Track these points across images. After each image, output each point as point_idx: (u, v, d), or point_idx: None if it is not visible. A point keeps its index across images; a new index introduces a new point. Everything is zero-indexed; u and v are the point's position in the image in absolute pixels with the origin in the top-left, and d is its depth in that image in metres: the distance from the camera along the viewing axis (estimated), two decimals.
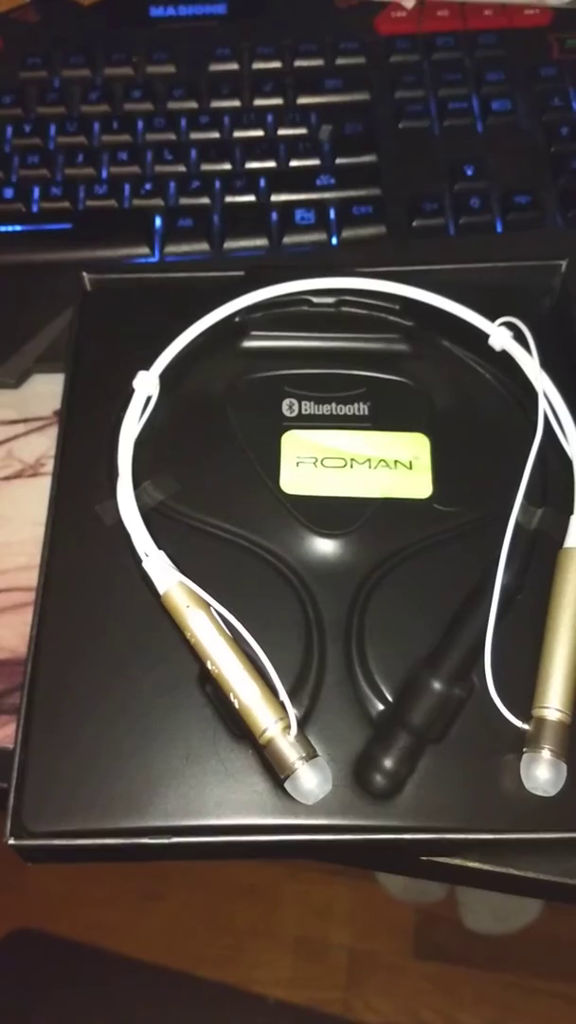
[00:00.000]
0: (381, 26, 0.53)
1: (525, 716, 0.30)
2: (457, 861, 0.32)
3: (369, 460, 0.36)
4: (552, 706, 0.30)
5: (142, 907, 0.97)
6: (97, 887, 0.97)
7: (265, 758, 0.30)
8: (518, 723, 0.30)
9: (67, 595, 0.33)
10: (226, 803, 0.30)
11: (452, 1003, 0.93)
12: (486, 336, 0.38)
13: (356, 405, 0.37)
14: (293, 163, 0.47)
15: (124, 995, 0.92)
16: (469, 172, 0.46)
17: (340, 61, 0.51)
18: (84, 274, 0.40)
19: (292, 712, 0.30)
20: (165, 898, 0.97)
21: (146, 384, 0.36)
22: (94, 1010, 0.90)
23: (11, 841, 0.29)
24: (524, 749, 0.30)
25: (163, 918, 0.96)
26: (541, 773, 0.29)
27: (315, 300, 0.39)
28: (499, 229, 0.45)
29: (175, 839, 0.29)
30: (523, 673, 0.31)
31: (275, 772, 0.30)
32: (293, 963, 0.95)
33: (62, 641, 0.32)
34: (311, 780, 0.29)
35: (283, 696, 0.30)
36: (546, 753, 0.29)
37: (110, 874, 0.96)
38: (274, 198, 0.46)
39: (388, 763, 0.30)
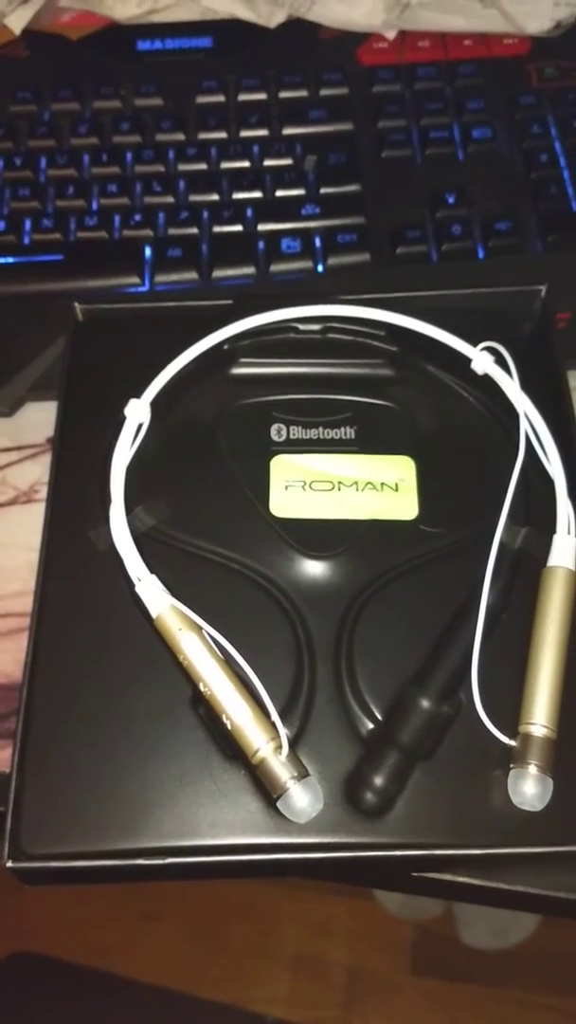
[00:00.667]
0: (364, 56, 0.54)
1: (512, 732, 0.31)
2: (447, 876, 0.33)
3: (356, 483, 0.37)
4: (538, 722, 0.31)
5: (140, 928, 0.97)
6: (95, 908, 0.96)
7: (258, 778, 0.30)
8: (505, 739, 0.31)
9: (61, 620, 0.34)
10: (220, 823, 0.30)
11: (450, 1019, 0.93)
12: (469, 360, 0.39)
13: (343, 429, 0.38)
14: (279, 193, 0.48)
15: (123, 1016, 0.92)
16: (451, 199, 0.47)
17: (324, 92, 0.52)
18: (76, 304, 0.41)
19: (283, 732, 0.30)
20: (163, 919, 0.97)
21: (137, 412, 0.37)
22: None
23: (9, 864, 0.30)
24: (511, 765, 0.30)
25: (161, 938, 0.96)
26: (528, 788, 0.30)
27: (301, 327, 0.40)
28: (481, 255, 0.46)
29: (171, 859, 0.30)
30: (509, 690, 0.32)
31: (267, 792, 0.30)
32: (291, 981, 0.95)
33: (57, 666, 0.33)
34: (303, 799, 0.30)
35: (274, 717, 0.30)
36: (532, 768, 0.30)
37: (107, 895, 0.96)
38: (261, 227, 0.47)
39: (378, 781, 0.31)
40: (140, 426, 0.37)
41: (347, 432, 0.38)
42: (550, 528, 0.35)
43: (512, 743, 0.31)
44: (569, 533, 0.35)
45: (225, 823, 0.30)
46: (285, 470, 0.37)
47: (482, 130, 0.50)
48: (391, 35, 0.55)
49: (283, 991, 0.94)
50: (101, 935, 0.96)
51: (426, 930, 0.98)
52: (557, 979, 0.94)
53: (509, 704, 0.32)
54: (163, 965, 0.94)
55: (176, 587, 0.33)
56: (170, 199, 0.48)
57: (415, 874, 0.33)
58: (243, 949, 0.96)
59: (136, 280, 0.45)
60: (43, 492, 0.38)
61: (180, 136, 0.51)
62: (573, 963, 0.95)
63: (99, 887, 0.90)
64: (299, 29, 0.56)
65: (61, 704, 0.32)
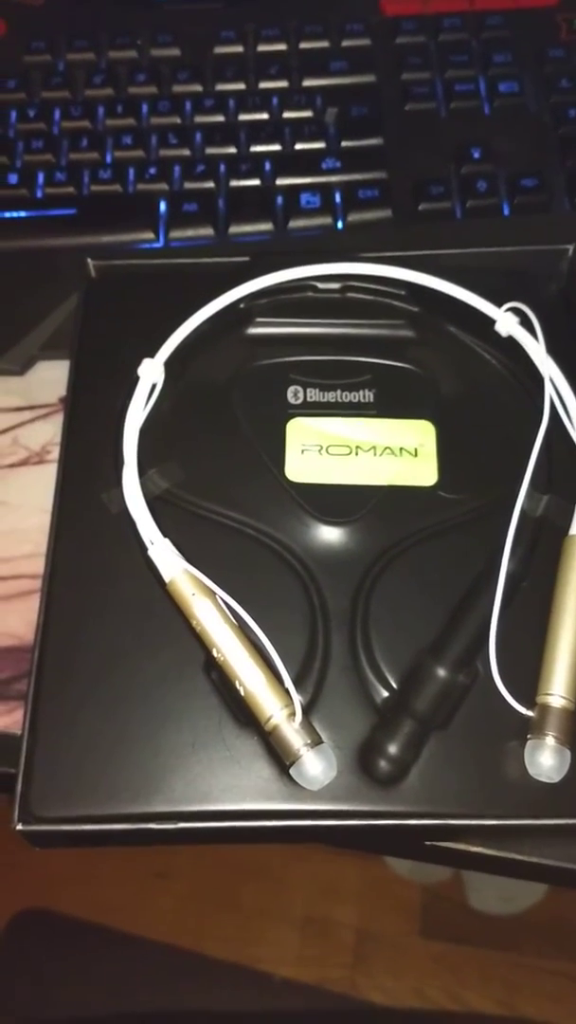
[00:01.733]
0: (387, 7, 0.52)
1: (529, 703, 0.30)
2: (461, 846, 0.32)
3: (374, 447, 0.36)
4: (556, 693, 0.30)
5: (149, 886, 0.98)
6: (105, 866, 0.97)
7: (270, 745, 0.30)
8: (522, 710, 0.30)
9: (73, 583, 0.33)
10: (232, 789, 0.30)
11: (458, 982, 0.94)
12: (492, 321, 0.38)
13: (361, 392, 0.37)
14: (298, 146, 0.47)
15: (132, 973, 0.93)
16: (476, 155, 0.46)
17: (345, 43, 0.51)
18: (89, 260, 0.40)
19: (297, 699, 0.30)
20: (172, 877, 0.98)
21: (151, 372, 0.36)
22: (101, 987, 0.91)
23: (19, 827, 0.30)
24: (528, 736, 0.30)
25: (170, 897, 0.97)
26: (545, 760, 0.29)
27: (320, 286, 0.39)
28: (506, 212, 0.45)
29: (181, 824, 0.30)
30: (527, 660, 0.31)
31: (280, 758, 0.30)
32: (300, 942, 0.96)
33: (68, 628, 0.33)
34: (316, 766, 0.29)
35: (288, 683, 0.30)
36: (550, 740, 0.29)
37: (118, 854, 0.97)
38: (279, 182, 0.46)
39: (393, 749, 0.30)
40: (154, 386, 0.37)
41: (366, 395, 0.37)
42: (572, 496, 0.34)
43: (530, 714, 0.30)
44: None
45: (237, 789, 0.30)
46: (301, 433, 0.36)
47: (509, 84, 0.48)
48: None
49: (292, 951, 0.95)
50: (111, 893, 0.97)
51: (435, 893, 0.98)
52: (565, 944, 0.94)
53: (527, 674, 0.31)
54: (173, 923, 0.95)
55: (189, 551, 0.33)
56: (186, 152, 0.47)
57: (428, 843, 0.32)
58: (253, 909, 0.97)
59: (150, 235, 0.44)
60: (55, 453, 0.38)
61: (197, 87, 0.49)
62: None
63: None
64: None
65: (72, 667, 0.32)
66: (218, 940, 0.95)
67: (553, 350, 0.37)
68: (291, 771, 0.29)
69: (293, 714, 0.30)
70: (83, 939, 0.94)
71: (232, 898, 0.97)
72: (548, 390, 0.36)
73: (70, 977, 0.90)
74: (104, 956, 0.93)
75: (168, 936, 0.94)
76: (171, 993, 0.92)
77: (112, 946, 0.94)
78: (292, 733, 0.29)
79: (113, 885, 0.97)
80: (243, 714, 0.31)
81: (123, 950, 0.94)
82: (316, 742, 0.30)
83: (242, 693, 0.30)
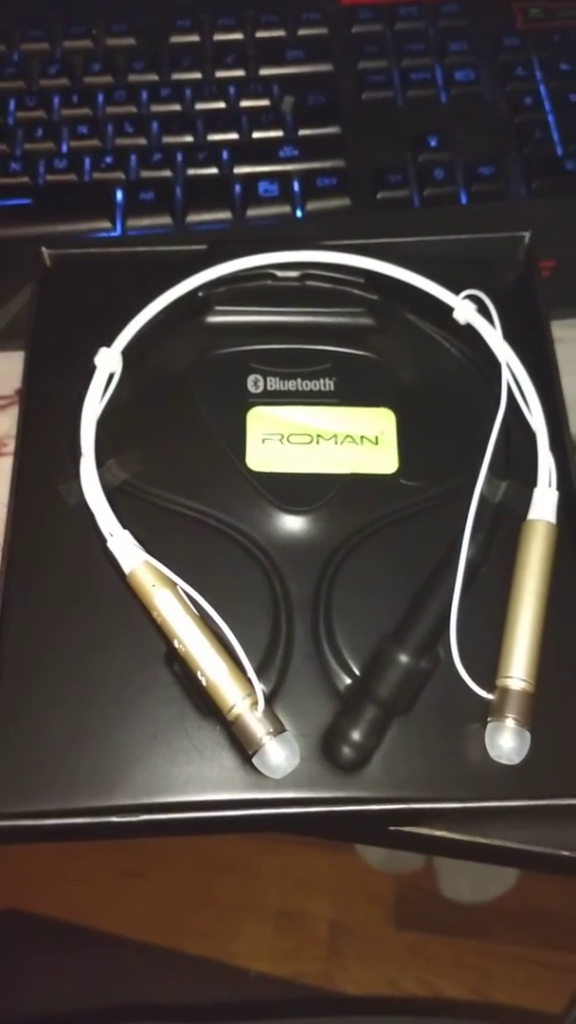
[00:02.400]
0: None
1: (490, 686, 0.31)
2: (425, 831, 0.32)
3: (335, 436, 0.36)
4: (515, 675, 0.30)
5: (122, 884, 0.97)
6: (76, 865, 0.97)
7: (233, 734, 0.30)
8: (483, 693, 0.30)
9: (31, 576, 0.33)
10: (195, 780, 0.30)
11: (432, 971, 0.94)
12: (450, 309, 0.38)
13: (322, 380, 0.37)
14: (256, 135, 0.47)
15: (106, 971, 0.92)
16: (433, 143, 0.46)
17: (302, 32, 0.51)
18: (44, 249, 0.40)
19: (259, 688, 0.30)
20: (145, 875, 0.98)
21: (108, 361, 0.36)
22: (77, 986, 0.90)
23: None
24: (489, 718, 0.30)
25: (143, 895, 0.97)
26: (505, 742, 0.30)
27: (279, 274, 0.39)
28: (464, 200, 0.45)
29: (144, 816, 0.29)
30: (487, 644, 0.32)
31: (243, 748, 0.30)
32: (274, 936, 0.96)
33: (27, 623, 0.32)
34: (279, 754, 0.29)
35: (250, 672, 0.30)
36: (510, 722, 0.30)
37: (89, 852, 0.97)
38: (237, 170, 0.46)
39: (356, 736, 0.30)
40: (111, 376, 0.36)
41: (326, 384, 0.37)
42: (531, 482, 0.34)
43: (490, 697, 0.30)
44: (550, 486, 0.34)
45: (200, 780, 0.30)
46: (262, 422, 0.36)
47: (465, 72, 0.48)
48: None
49: (266, 945, 0.95)
50: (83, 891, 0.96)
51: (408, 884, 0.99)
52: (538, 931, 0.95)
53: (487, 658, 0.31)
54: (146, 921, 0.95)
55: (149, 543, 0.32)
56: (143, 141, 0.47)
57: (393, 828, 0.32)
58: (226, 904, 0.97)
59: (107, 224, 0.44)
60: (11, 446, 0.37)
61: (153, 76, 0.49)
62: (553, 915, 0.96)
63: (80, 844, 0.91)
64: None
65: (31, 662, 0.32)
66: (192, 936, 0.95)
67: (510, 337, 0.37)
68: (254, 760, 0.29)
69: (256, 703, 0.30)
70: (57, 939, 0.93)
71: (205, 894, 0.97)
72: (505, 376, 0.36)
73: (45, 977, 0.89)
74: (78, 955, 0.93)
75: (142, 934, 0.94)
76: (146, 990, 0.91)
77: (86, 945, 0.93)
78: (254, 722, 0.29)
79: (85, 885, 0.97)
80: (205, 705, 0.31)
81: (97, 949, 0.93)
82: (279, 730, 0.29)
83: (204, 683, 0.30)
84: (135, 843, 0.97)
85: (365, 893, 0.99)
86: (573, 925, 0.96)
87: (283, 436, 0.36)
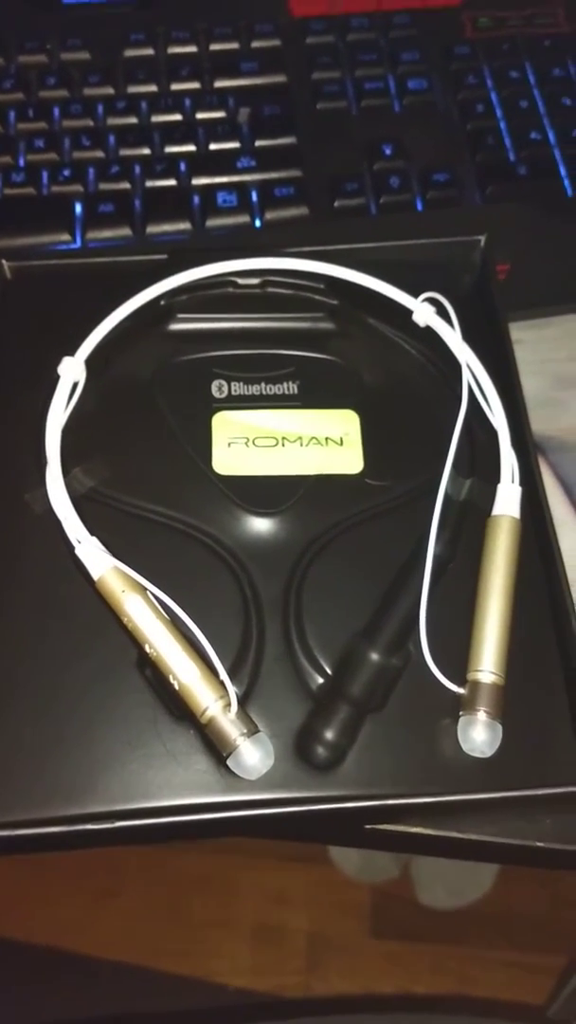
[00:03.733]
0: (295, 8, 0.53)
1: (461, 681, 0.31)
2: (402, 828, 0.32)
3: (300, 438, 0.36)
4: (486, 669, 0.31)
5: (98, 905, 0.96)
6: (51, 887, 0.96)
7: (207, 737, 0.30)
8: (454, 688, 0.31)
9: None
10: (170, 784, 0.30)
11: (411, 979, 0.94)
12: (410, 312, 0.38)
13: (285, 384, 0.37)
14: (213, 146, 0.47)
15: (83, 993, 0.91)
16: (388, 151, 0.47)
17: (255, 44, 0.51)
18: (3, 262, 0.40)
19: (232, 690, 0.30)
20: (120, 895, 0.97)
21: (72, 369, 0.36)
22: (54, 1008, 0.89)
23: None
24: (460, 712, 0.30)
25: (119, 915, 0.96)
26: (477, 735, 0.30)
27: (240, 281, 0.39)
28: (419, 207, 0.46)
29: (120, 823, 0.29)
30: (457, 639, 0.32)
31: (218, 751, 0.30)
32: (252, 951, 0.95)
33: None
34: (253, 756, 0.29)
35: (223, 674, 0.30)
36: (481, 715, 0.30)
37: (64, 873, 0.96)
38: (195, 181, 0.46)
39: (329, 735, 0.30)
40: (75, 385, 0.36)
41: (289, 387, 0.37)
42: (494, 478, 0.35)
43: (461, 691, 0.31)
44: (513, 482, 0.35)
45: (175, 784, 0.30)
46: (227, 427, 0.36)
47: (418, 81, 0.49)
48: None
49: (244, 961, 0.95)
50: (58, 913, 0.95)
51: (384, 893, 0.99)
52: (516, 935, 0.96)
53: (457, 653, 0.31)
54: (123, 941, 0.94)
55: (118, 549, 0.32)
56: (100, 154, 0.47)
57: (369, 827, 0.33)
58: (203, 921, 0.96)
59: (67, 237, 0.44)
60: None
61: (109, 90, 0.49)
62: (531, 919, 0.97)
63: (54, 864, 0.89)
64: None
65: (1, 671, 0.31)
66: (170, 955, 0.94)
67: (469, 338, 0.37)
68: (228, 762, 0.29)
69: (228, 705, 0.30)
70: (32, 961, 0.92)
71: (182, 911, 0.96)
72: (466, 376, 0.36)
73: (21, 1000, 0.88)
74: (55, 977, 0.91)
75: (119, 954, 0.93)
76: (125, 1010, 0.90)
77: (63, 967, 0.92)
78: (228, 724, 0.29)
79: (60, 906, 0.96)
80: (178, 708, 0.31)
81: (74, 970, 0.92)
82: (252, 731, 0.29)
83: (176, 687, 0.30)
84: (111, 863, 0.96)
85: (342, 904, 0.99)
86: (550, 926, 0.96)
87: (248, 439, 0.36)
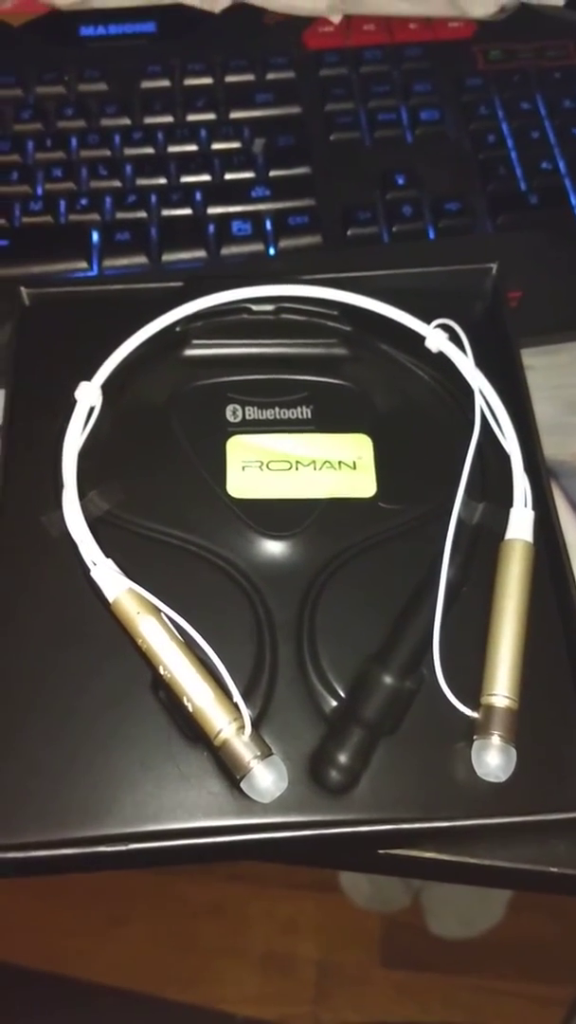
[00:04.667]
0: (309, 41, 0.54)
1: (474, 705, 0.31)
2: (414, 853, 0.32)
3: (314, 462, 0.36)
4: (500, 693, 0.31)
5: (106, 932, 0.96)
6: (59, 915, 0.95)
7: (221, 760, 0.30)
8: (467, 712, 0.31)
9: (15, 607, 0.33)
10: (183, 807, 0.30)
11: (420, 1009, 0.93)
12: (422, 339, 0.39)
13: (299, 409, 0.38)
14: (228, 176, 0.48)
15: (91, 1022, 0.90)
16: (400, 181, 0.47)
17: (270, 76, 0.52)
18: (22, 288, 0.40)
19: (246, 712, 0.30)
20: (129, 922, 0.96)
21: (88, 394, 0.36)
22: None
23: None
24: (474, 736, 0.30)
25: (128, 943, 0.95)
26: (491, 759, 0.30)
27: (254, 308, 0.40)
28: (431, 236, 0.46)
29: (134, 845, 0.29)
30: (470, 663, 0.32)
31: (231, 773, 0.30)
32: (261, 980, 0.95)
33: (11, 654, 0.32)
34: (266, 778, 0.29)
35: (237, 697, 0.30)
36: (495, 739, 0.30)
37: (72, 901, 0.95)
38: (210, 211, 0.47)
39: (342, 758, 0.30)
40: (92, 409, 0.37)
41: (303, 412, 0.38)
42: (506, 503, 0.35)
43: (475, 715, 0.31)
44: (526, 506, 0.35)
45: (189, 806, 0.30)
46: (241, 450, 0.36)
47: (430, 112, 0.50)
48: (336, 19, 0.55)
49: (252, 989, 0.94)
50: (66, 941, 0.95)
51: (394, 922, 0.98)
52: (526, 966, 0.95)
53: (471, 677, 0.32)
54: (130, 969, 0.93)
55: (133, 572, 0.33)
56: (117, 183, 0.48)
57: (382, 852, 0.32)
58: (211, 949, 0.96)
59: (84, 265, 0.45)
60: None
61: (126, 121, 0.50)
62: (540, 949, 0.96)
63: (61, 891, 0.89)
64: (243, 14, 0.55)
65: (16, 693, 0.32)
66: (177, 983, 0.93)
67: (481, 364, 0.38)
68: (242, 784, 0.29)
69: (242, 727, 0.30)
70: (41, 990, 0.91)
71: (189, 939, 0.96)
72: (479, 401, 0.37)
73: None
74: (63, 1005, 0.91)
75: (127, 982, 0.92)
76: None
77: (71, 995, 0.91)
78: (241, 746, 0.29)
79: (68, 934, 0.95)
80: (192, 731, 0.31)
81: (82, 999, 0.91)
82: (266, 754, 0.30)
83: (190, 709, 0.30)
84: (120, 890, 0.96)
85: (351, 933, 0.98)
86: (562, 958, 0.95)
87: (262, 463, 0.36)
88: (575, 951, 0.96)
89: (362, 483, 0.36)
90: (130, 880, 0.94)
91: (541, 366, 0.43)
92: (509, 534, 0.34)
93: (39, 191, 0.48)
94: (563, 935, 0.96)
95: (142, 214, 0.46)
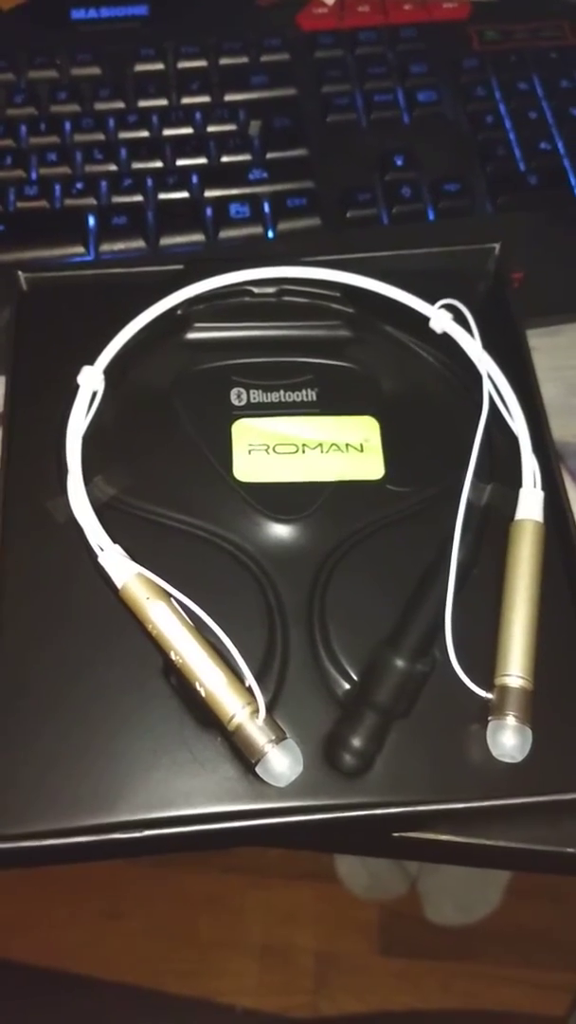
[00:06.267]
0: (303, 22, 0.53)
1: (488, 686, 0.31)
2: (429, 835, 0.32)
3: (321, 445, 0.36)
4: (514, 673, 0.30)
5: (103, 926, 0.95)
6: (55, 910, 0.95)
7: (234, 745, 0.30)
8: (482, 693, 0.31)
9: (22, 595, 0.33)
10: (197, 792, 0.29)
11: (420, 997, 0.93)
12: (426, 319, 0.38)
13: (304, 391, 0.37)
14: (224, 159, 0.48)
15: (89, 1016, 0.90)
16: (399, 162, 0.47)
17: (264, 58, 0.52)
18: (20, 273, 0.40)
19: (260, 696, 0.29)
20: (126, 916, 0.96)
21: (91, 379, 0.36)
22: None
23: None
24: (489, 717, 0.30)
25: (125, 936, 0.95)
26: (507, 740, 0.30)
27: (256, 290, 0.39)
28: (431, 217, 0.46)
29: (148, 832, 0.29)
30: (483, 644, 0.32)
31: (245, 758, 0.29)
32: (259, 971, 0.94)
33: (19, 642, 0.32)
34: (282, 762, 0.29)
35: (250, 680, 0.30)
36: (511, 719, 0.30)
37: (68, 896, 0.95)
38: (208, 193, 0.46)
39: (356, 742, 0.30)
40: (94, 394, 0.36)
41: (308, 394, 0.37)
42: (513, 484, 0.35)
43: (489, 696, 0.31)
44: (535, 487, 0.35)
45: (203, 792, 0.29)
46: (247, 434, 0.36)
47: (427, 93, 0.50)
48: (330, 1, 0.54)
49: (252, 981, 0.94)
50: (63, 936, 0.94)
51: (392, 911, 0.98)
52: (524, 952, 0.95)
53: (484, 658, 0.31)
54: (128, 962, 0.93)
55: (140, 557, 0.32)
56: (112, 167, 0.47)
57: (397, 835, 0.32)
58: (209, 941, 0.95)
59: (81, 249, 0.44)
60: None
61: (119, 104, 0.50)
62: (538, 935, 0.96)
63: (58, 885, 0.89)
64: None
65: (26, 679, 0.31)
66: (176, 975, 0.93)
67: (485, 345, 0.37)
68: (257, 769, 0.29)
69: (256, 711, 0.29)
70: (38, 986, 0.91)
71: (187, 932, 0.96)
72: (487, 384, 0.36)
73: (25, 1023, 0.87)
74: (61, 1001, 0.90)
75: (125, 975, 0.92)
76: None
77: (68, 990, 0.91)
78: (256, 731, 0.29)
79: (64, 929, 0.95)
80: (204, 716, 0.30)
81: (80, 993, 0.91)
82: (281, 738, 0.29)
83: (203, 694, 0.30)
84: (116, 883, 0.96)
85: (350, 923, 0.98)
86: (561, 943, 0.95)
87: (269, 447, 0.36)
88: (574, 936, 0.96)
89: (370, 465, 0.36)
90: (125, 872, 0.94)
91: (543, 347, 0.43)
92: (519, 514, 0.34)
93: (33, 175, 0.47)
94: (562, 920, 0.96)
95: (138, 198, 0.46)
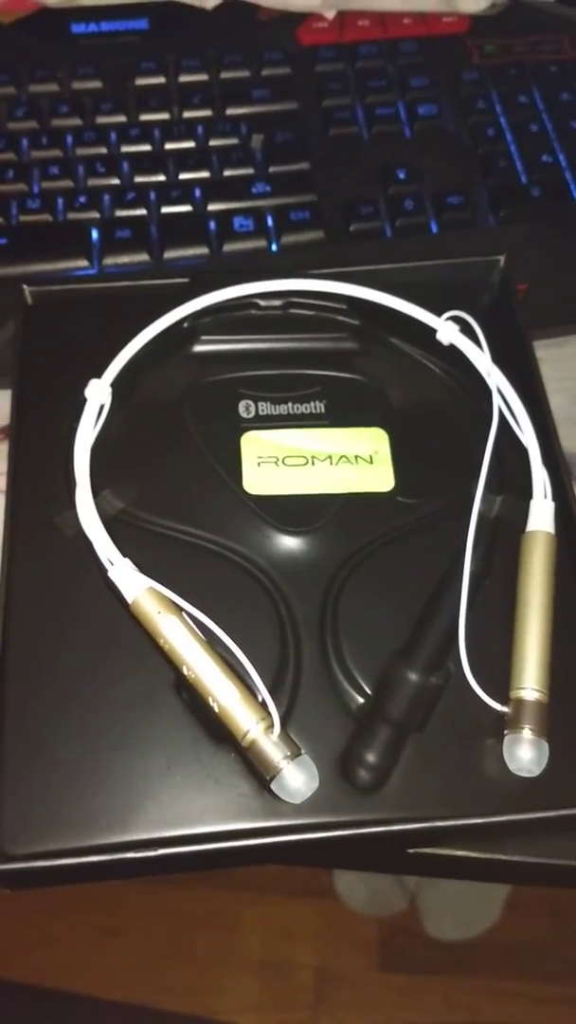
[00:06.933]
0: (304, 37, 0.53)
1: (503, 699, 0.30)
2: (445, 851, 0.32)
3: (330, 457, 0.36)
4: (529, 686, 0.30)
5: (100, 944, 0.94)
6: (52, 928, 0.94)
7: (248, 760, 0.29)
8: (497, 706, 0.30)
9: (31, 610, 0.32)
10: (211, 810, 0.29)
11: (420, 1012, 0.93)
12: (432, 332, 0.38)
13: (312, 403, 0.37)
14: (227, 172, 0.47)
15: None
16: (401, 175, 0.47)
17: (265, 72, 0.52)
18: (25, 287, 0.40)
19: (274, 711, 0.29)
20: (123, 933, 0.95)
21: (98, 392, 0.35)
22: None
23: None
24: (505, 731, 0.30)
25: (123, 953, 0.94)
26: (524, 753, 0.29)
27: (262, 303, 0.39)
28: (434, 230, 0.46)
29: (162, 850, 0.29)
30: (497, 657, 0.31)
31: (259, 774, 0.29)
32: (259, 987, 0.94)
33: (30, 658, 0.31)
34: (297, 779, 0.28)
35: (265, 695, 0.29)
36: (527, 733, 0.29)
37: (66, 913, 0.94)
38: (211, 207, 0.46)
39: (371, 757, 0.30)
40: (102, 407, 0.36)
41: (317, 406, 0.37)
42: (524, 495, 0.35)
43: (504, 709, 0.30)
44: (545, 498, 0.34)
45: (217, 809, 0.29)
46: (256, 446, 0.36)
47: (427, 107, 0.50)
48: (330, 15, 0.54)
49: (251, 998, 0.93)
50: (60, 954, 0.93)
51: (392, 926, 0.97)
52: (524, 966, 0.94)
53: (498, 671, 0.31)
54: (126, 980, 0.92)
55: (150, 571, 0.32)
56: (115, 181, 0.47)
57: (412, 851, 0.32)
58: (208, 958, 0.95)
59: (85, 263, 0.44)
60: (2, 482, 0.37)
61: (121, 118, 0.50)
62: (539, 949, 0.95)
63: (55, 903, 0.88)
64: (236, 11, 0.55)
65: (37, 697, 0.31)
66: (174, 993, 0.92)
67: (492, 356, 0.37)
68: (272, 785, 0.29)
69: (270, 727, 0.29)
70: (35, 1005, 0.90)
71: (185, 949, 0.95)
72: (496, 397, 0.36)
73: None
74: (57, 1018, 0.89)
75: (123, 993, 0.91)
76: None
77: (66, 1008, 0.90)
78: (271, 746, 0.29)
79: (61, 948, 0.94)
80: (218, 732, 0.30)
81: (76, 1012, 0.90)
82: (296, 754, 0.29)
83: (216, 710, 0.29)
84: (114, 900, 0.95)
85: (349, 938, 0.97)
86: (562, 956, 0.95)
87: (278, 459, 0.35)
88: (574, 949, 0.96)
89: (380, 477, 0.35)
90: (123, 888, 0.93)
91: (549, 358, 0.43)
92: (531, 526, 0.34)
93: (35, 189, 0.47)
94: (561, 933, 0.96)
95: (142, 211, 0.46)
